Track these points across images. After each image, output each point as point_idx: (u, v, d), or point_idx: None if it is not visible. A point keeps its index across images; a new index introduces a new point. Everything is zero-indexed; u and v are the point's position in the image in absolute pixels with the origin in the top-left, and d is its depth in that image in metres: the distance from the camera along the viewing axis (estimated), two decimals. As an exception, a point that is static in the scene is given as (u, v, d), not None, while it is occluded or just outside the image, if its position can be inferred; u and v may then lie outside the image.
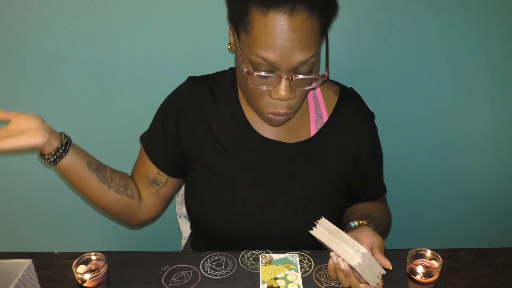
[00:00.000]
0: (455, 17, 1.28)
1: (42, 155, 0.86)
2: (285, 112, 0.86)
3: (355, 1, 1.26)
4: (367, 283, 0.82)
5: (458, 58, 1.34)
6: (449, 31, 1.30)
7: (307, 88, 0.85)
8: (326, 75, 0.84)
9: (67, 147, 0.86)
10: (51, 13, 1.25)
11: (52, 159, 0.85)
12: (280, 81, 0.81)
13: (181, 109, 0.98)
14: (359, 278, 0.82)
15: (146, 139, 1.03)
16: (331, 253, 0.82)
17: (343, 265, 0.81)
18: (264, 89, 0.83)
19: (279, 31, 0.76)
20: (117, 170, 1.00)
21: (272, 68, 0.80)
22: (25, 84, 1.35)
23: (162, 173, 1.01)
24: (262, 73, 0.81)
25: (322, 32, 0.81)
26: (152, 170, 1.01)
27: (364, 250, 0.79)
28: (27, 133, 0.80)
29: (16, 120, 0.82)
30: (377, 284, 0.82)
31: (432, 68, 1.36)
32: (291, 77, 0.80)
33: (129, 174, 1.05)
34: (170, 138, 0.99)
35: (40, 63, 1.32)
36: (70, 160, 0.87)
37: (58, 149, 0.85)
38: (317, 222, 0.85)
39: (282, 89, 0.81)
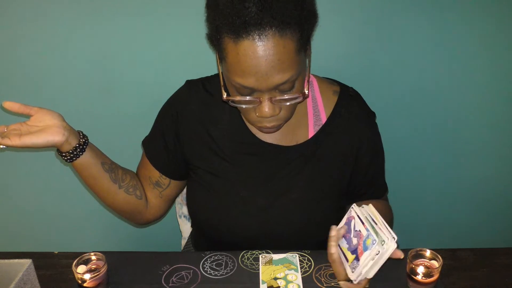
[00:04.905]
0: (457, 16, 1.28)
1: (59, 152, 0.88)
2: (272, 125, 0.86)
3: (355, 1, 1.26)
4: (349, 280, 0.82)
5: (460, 57, 1.34)
6: (450, 30, 1.30)
7: (293, 102, 0.84)
8: (307, 94, 0.84)
9: (85, 147, 0.88)
10: (51, 15, 1.25)
11: (69, 157, 0.87)
12: (261, 102, 0.82)
13: (180, 115, 0.99)
14: (347, 268, 0.82)
15: (147, 145, 1.04)
16: (332, 226, 0.85)
17: (334, 249, 0.82)
18: (250, 107, 0.84)
19: (250, 59, 0.76)
20: (128, 169, 1.02)
21: (252, 91, 0.80)
22: (26, 86, 1.35)
23: (164, 176, 1.02)
24: (237, 98, 0.82)
25: (301, 47, 0.79)
26: (155, 173, 1.02)
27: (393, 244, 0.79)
28: (48, 130, 0.83)
29: (37, 116, 0.84)
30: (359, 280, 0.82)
31: (434, 67, 1.35)
32: (271, 97, 0.81)
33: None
34: (171, 144, 1.00)
35: (39, 65, 1.32)
36: (86, 159, 0.89)
37: (76, 148, 0.87)
38: (363, 206, 0.87)
39: (264, 108, 0.82)
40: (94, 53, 1.31)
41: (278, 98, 0.81)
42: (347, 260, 0.82)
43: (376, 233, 0.80)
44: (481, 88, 1.38)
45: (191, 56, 1.32)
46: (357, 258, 0.80)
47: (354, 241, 0.82)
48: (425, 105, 1.41)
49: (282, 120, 0.87)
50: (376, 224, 0.82)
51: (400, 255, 0.81)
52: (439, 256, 0.86)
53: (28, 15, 1.25)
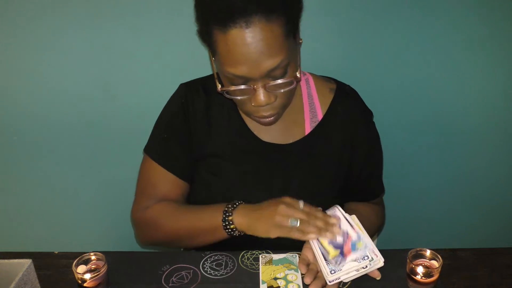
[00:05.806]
0: (453, 17, 1.28)
1: (231, 230, 0.89)
2: (269, 114, 0.87)
3: (354, 1, 1.26)
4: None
5: (458, 57, 1.34)
6: (446, 30, 1.30)
7: (287, 89, 0.85)
8: (299, 77, 0.85)
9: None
10: (50, 17, 1.25)
11: (235, 234, 0.90)
12: (255, 90, 0.82)
13: (185, 114, 0.99)
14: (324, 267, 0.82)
15: (163, 156, 1.00)
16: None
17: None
18: (245, 97, 0.85)
19: (240, 47, 0.77)
20: None
21: (246, 80, 0.81)
22: (25, 87, 1.35)
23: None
24: (232, 88, 0.83)
25: (289, 32, 0.80)
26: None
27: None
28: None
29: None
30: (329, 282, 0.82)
31: (432, 66, 1.36)
32: (265, 84, 0.81)
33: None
34: (184, 144, 0.99)
35: (38, 67, 1.32)
36: None
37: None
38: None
39: (259, 97, 0.83)
40: (93, 55, 1.31)
41: (271, 84, 0.82)
42: (328, 254, 0.82)
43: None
44: (481, 87, 1.38)
45: (190, 58, 1.32)
46: (342, 254, 0.81)
47: (339, 239, 0.83)
48: (424, 104, 1.41)
49: (278, 108, 0.87)
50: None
51: (378, 275, 0.83)
52: (439, 256, 0.86)
53: (28, 17, 1.25)
